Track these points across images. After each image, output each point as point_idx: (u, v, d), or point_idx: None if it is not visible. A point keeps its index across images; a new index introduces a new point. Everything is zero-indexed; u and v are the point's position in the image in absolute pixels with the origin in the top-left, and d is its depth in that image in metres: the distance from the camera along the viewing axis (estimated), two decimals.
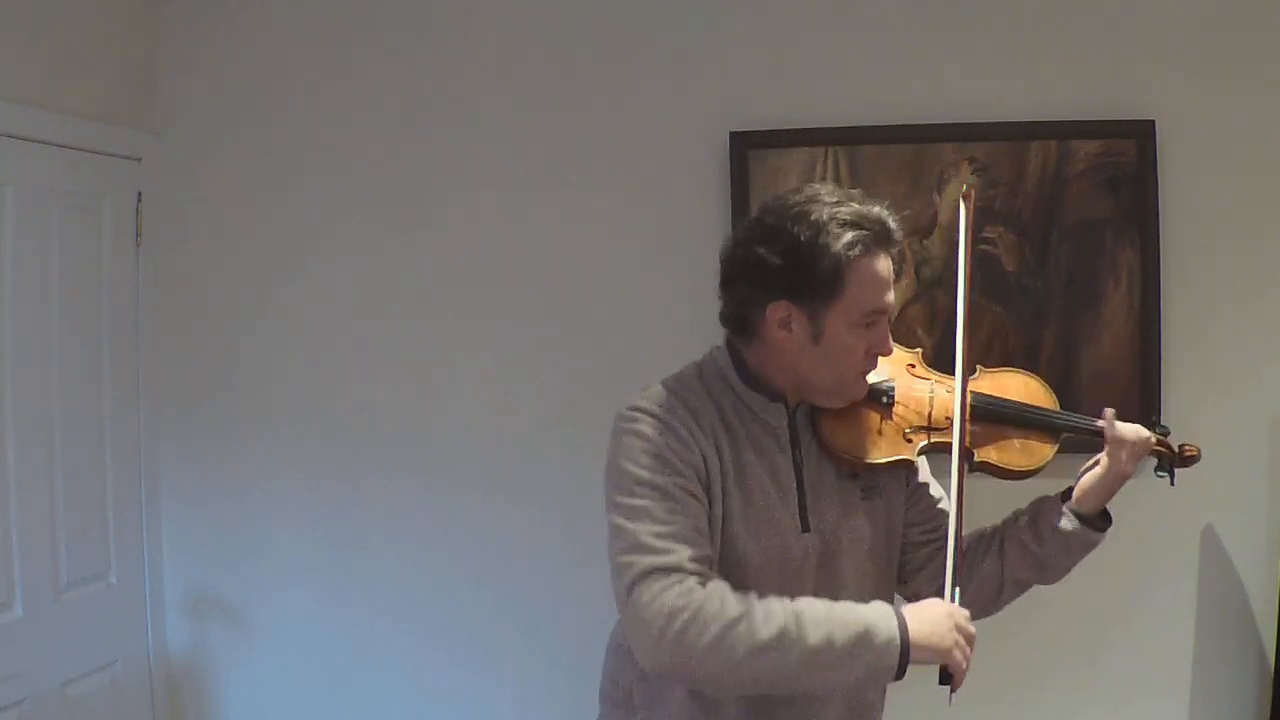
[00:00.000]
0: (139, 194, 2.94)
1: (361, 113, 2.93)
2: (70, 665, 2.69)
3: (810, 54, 2.78)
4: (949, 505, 1.67)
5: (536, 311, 2.88)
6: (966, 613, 1.50)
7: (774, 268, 1.51)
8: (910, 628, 1.42)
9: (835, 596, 1.54)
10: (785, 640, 1.39)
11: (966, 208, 1.66)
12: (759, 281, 1.54)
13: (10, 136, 2.52)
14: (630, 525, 1.47)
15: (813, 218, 1.50)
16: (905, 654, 1.41)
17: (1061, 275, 2.69)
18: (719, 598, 1.42)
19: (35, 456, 2.61)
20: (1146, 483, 2.65)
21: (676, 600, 1.40)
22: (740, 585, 1.48)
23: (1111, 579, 2.69)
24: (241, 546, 2.99)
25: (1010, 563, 1.67)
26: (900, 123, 2.71)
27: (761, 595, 1.46)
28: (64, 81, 2.69)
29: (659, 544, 1.45)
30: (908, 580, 1.74)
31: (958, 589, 1.55)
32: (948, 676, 1.47)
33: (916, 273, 2.72)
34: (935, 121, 2.70)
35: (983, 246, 2.71)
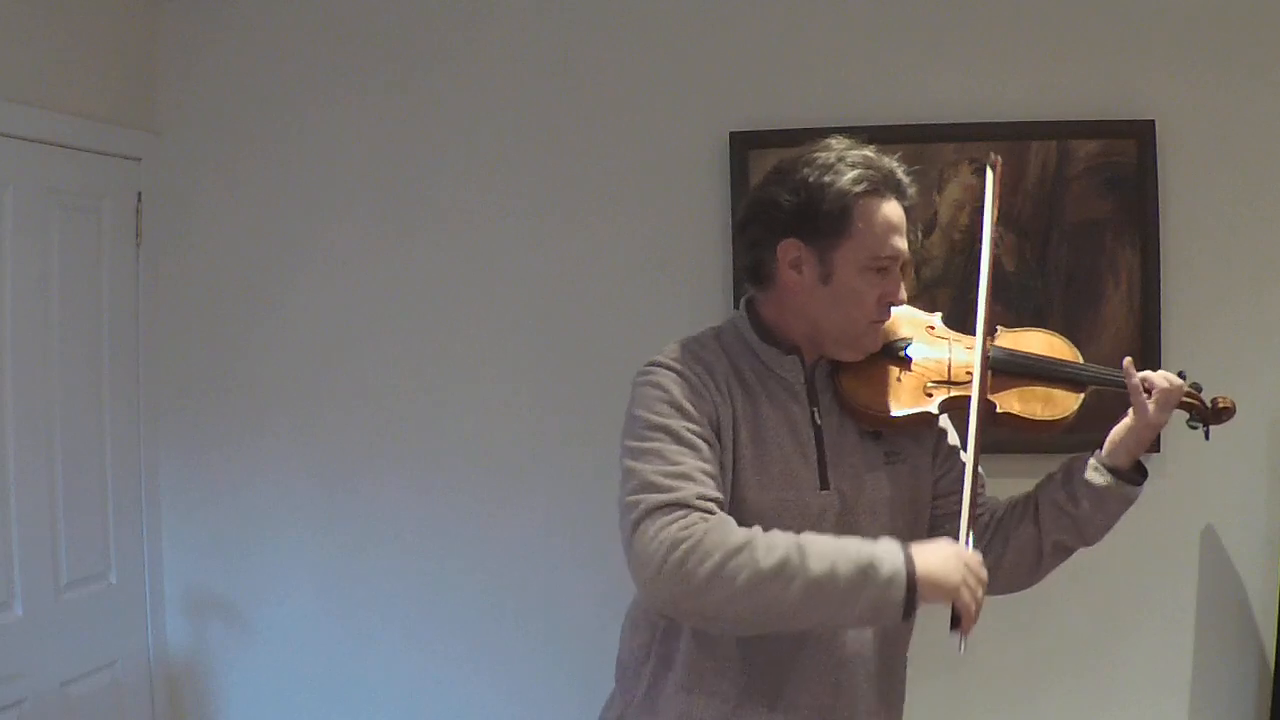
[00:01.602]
0: (139, 194, 2.94)
1: (362, 113, 2.93)
2: (70, 665, 2.69)
3: (810, 54, 2.78)
4: (982, 477, 1.66)
5: (537, 312, 2.88)
6: (979, 556, 1.49)
7: (783, 206, 1.55)
8: (917, 562, 1.40)
9: None
10: (788, 569, 1.37)
11: (994, 176, 1.69)
12: (770, 222, 1.57)
13: (10, 136, 2.52)
14: (639, 466, 1.48)
15: (821, 160, 1.55)
16: (912, 590, 1.39)
17: (1061, 275, 2.69)
18: (721, 528, 1.41)
19: (35, 456, 2.61)
20: (1147, 482, 2.66)
21: (679, 532, 1.40)
22: None
23: (1111, 579, 2.70)
24: (242, 546, 2.99)
25: (1046, 526, 1.65)
26: (900, 123, 2.70)
27: None
28: (64, 81, 2.69)
29: (666, 482, 1.45)
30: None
31: (971, 534, 1.53)
32: (957, 620, 1.44)
33: (917, 273, 2.72)
34: (935, 121, 2.70)
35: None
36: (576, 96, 2.86)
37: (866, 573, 1.38)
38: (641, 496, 1.45)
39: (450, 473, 2.91)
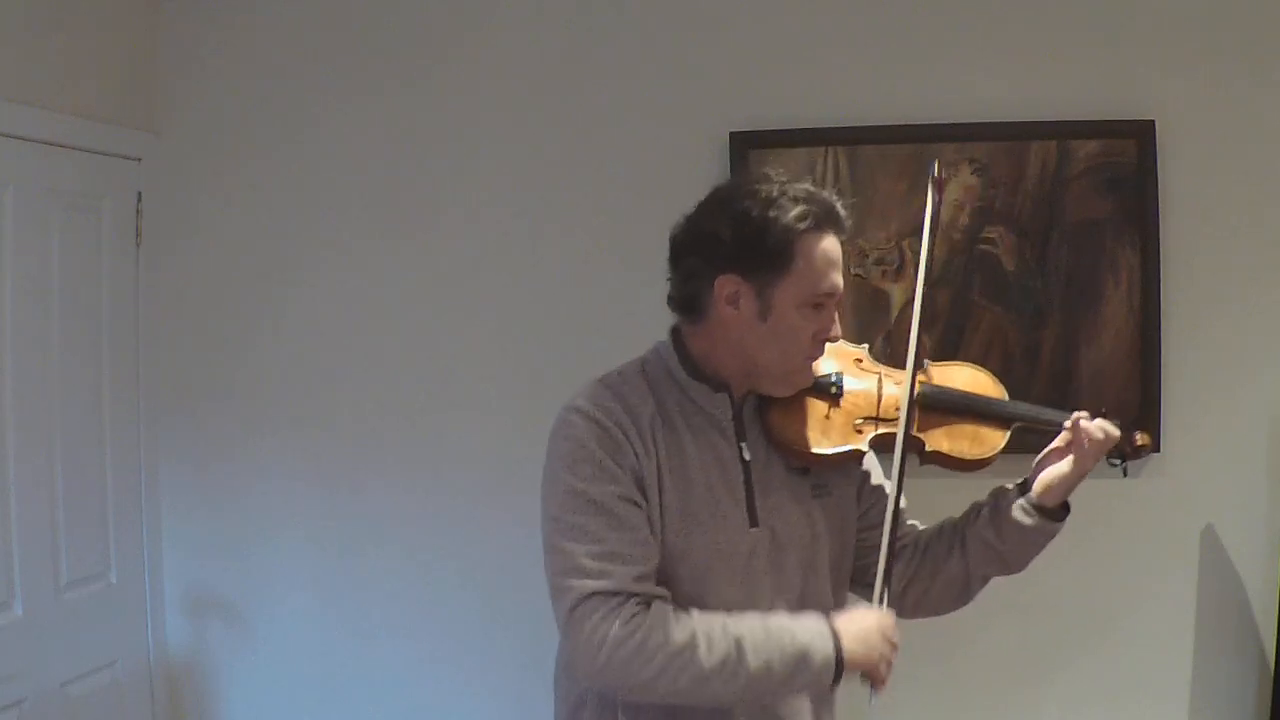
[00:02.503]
0: (139, 194, 2.94)
1: (362, 113, 2.93)
2: (70, 665, 2.69)
3: (810, 54, 2.78)
4: (905, 505, 1.68)
5: (537, 314, 2.88)
6: (893, 620, 1.55)
7: (723, 240, 1.51)
8: (844, 647, 1.47)
9: (787, 596, 1.56)
10: (727, 669, 1.43)
11: (935, 195, 1.65)
12: (708, 255, 1.53)
13: (10, 136, 2.52)
14: (568, 545, 1.47)
15: (763, 194, 1.52)
16: (840, 671, 1.47)
17: (1061, 275, 2.69)
18: (663, 625, 1.43)
19: (35, 456, 2.61)
20: (1147, 482, 2.67)
21: (619, 630, 1.42)
22: (687, 582, 1.50)
23: (1111, 579, 2.70)
24: (242, 546, 2.99)
25: (974, 560, 1.66)
26: (900, 123, 2.71)
27: (711, 593, 1.50)
28: (64, 81, 2.69)
29: (598, 566, 1.45)
30: (873, 584, 1.70)
31: (887, 592, 1.58)
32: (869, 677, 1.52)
33: (917, 273, 2.71)
34: (935, 121, 2.70)
35: (983, 246, 2.71)
36: (576, 97, 2.86)
37: (800, 663, 1.45)
38: (574, 582, 1.46)
39: (450, 474, 2.91)
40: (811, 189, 1.54)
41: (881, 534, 1.66)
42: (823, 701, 1.62)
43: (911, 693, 2.77)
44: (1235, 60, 2.65)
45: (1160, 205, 2.65)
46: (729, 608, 1.50)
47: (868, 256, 2.73)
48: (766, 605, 1.54)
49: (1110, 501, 2.67)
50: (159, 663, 2.99)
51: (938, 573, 1.69)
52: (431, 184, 2.91)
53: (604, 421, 1.51)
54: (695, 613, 1.47)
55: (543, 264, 2.87)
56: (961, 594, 1.70)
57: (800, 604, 1.58)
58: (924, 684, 2.75)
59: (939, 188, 1.65)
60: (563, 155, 2.86)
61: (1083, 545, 2.68)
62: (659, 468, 1.52)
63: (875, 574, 1.66)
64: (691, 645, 1.42)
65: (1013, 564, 1.67)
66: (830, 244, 1.53)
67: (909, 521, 1.76)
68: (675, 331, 1.62)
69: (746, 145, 2.74)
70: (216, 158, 2.99)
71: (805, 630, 1.47)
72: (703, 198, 1.59)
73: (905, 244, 2.72)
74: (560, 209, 2.86)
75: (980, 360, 2.61)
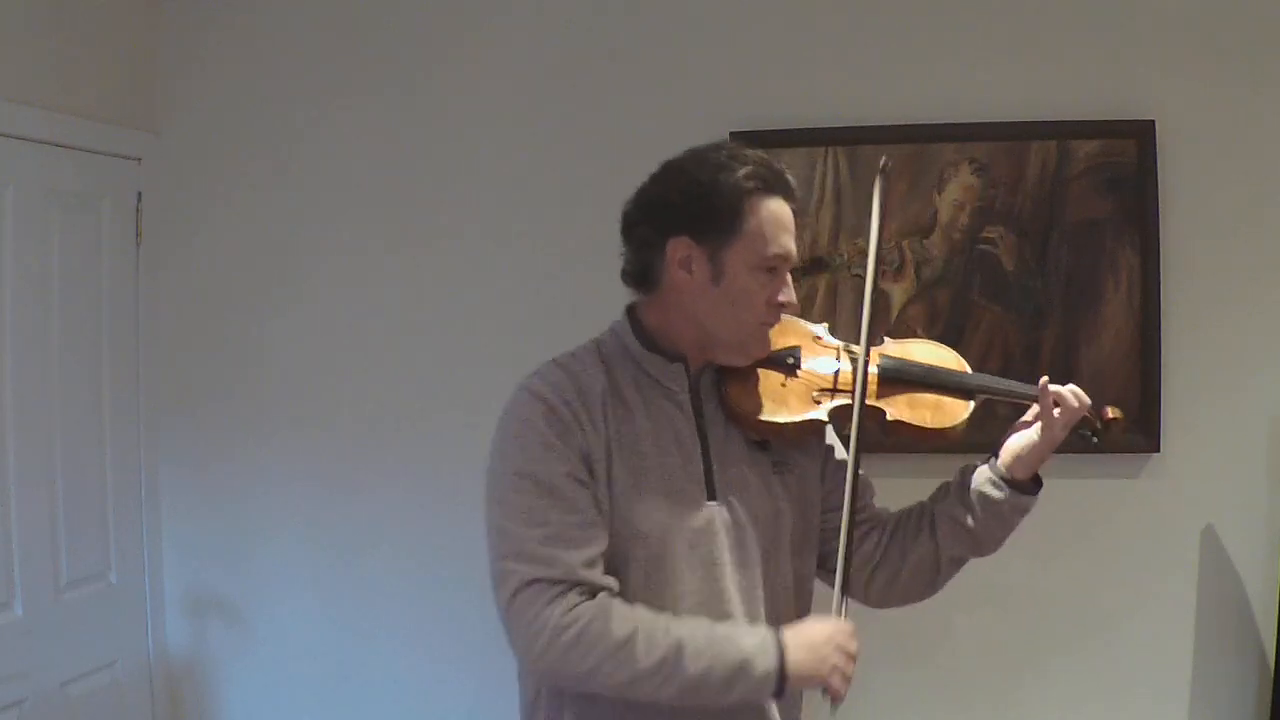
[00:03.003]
0: (139, 194, 2.94)
1: (362, 112, 2.93)
2: (70, 665, 2.69)
3: (810, 54, 2.78)
4: (871, 486, 1.68)
5: (538, 316, 2.87)
6: (850, 628, 1.51)
7: (673, 204, 1.53)
8: (789, 659, 1.44)
9: (749, 574, 1.54)
10: (664, 670, 1.41)
11: (882, 184, 1.65)
12: (659, 221, 1.55)
13: (10, 136, 2.53)
14: (511, 527, 1.48)
15: (711, 159, 1.54)
16: (782, 682, 1.44)
17: (1061, 275, 2.69)
18: (603, 618, 1.42)
19: (35, 456, 2.61)
20: (1147, 482, 2.67)
21: (561, 618, 1.41)
22: (644, 558, 1.49)
23: (1111, 579, 2.70)
24: (242, 546, 2.99)
25: (944, 540, 1.63)
26: (900, 123, 2.70)
27: (669, 569, 1.48)
28: (64, 81, 2.69)
29: (542, 551, 1.44)
30: (834, 569, 1.68)
31: (846, 601, 1.55)
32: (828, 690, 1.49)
33: (917, 273, 2.72)
34: (935, 121, 2.70)
35: (983, 246, 2.71)
36: (576, 98, 2.86)
37: (740, 672, 1.42)
38: (515, 567, 1.46)
39: (449, 474, 2.90)
40: (761, 155, 1.55)
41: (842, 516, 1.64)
42: (791, 701, 1.61)
43: (912, 693, 2.77)
44: (1235, 60, 2.65)
45: (1160, 205, 2.65)
46: (689, 585, 1.50)
47: (867, 256, 2.72)
48: (728, 584, 1.52)
49: (1110, 501, 2.67)
50: (159, 663, 2.99)
51: (906, 554, 1.66)
52: (431, 185, 2.91)
53: (551, 399, 1.51)
54: (641, 610, 1.45)
55: (543, 265, 2.87)
56: (931, 578, 1.67)
57: (765, 584, 1.56)
58: (924, 684, 2.75)
59: (885, 177, 1.66)
60: (563, 156, 2.86)
61: (1083, 545, 2.69)
62: (608, 443, 1.50)
63: (837, 560, 1.64)
64: (630, 642, 1.41)
65: (984, 542, 1.63)
66: (779, 207, 1.53)
67: (879, 505, 1.74)
68: (631, 309, 1.63)
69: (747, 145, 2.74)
70: (216, 158, 2.99)
71: (749, 640, 1.45)
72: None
73: (905, 244, 2.72)
74: (560, 209, 2.86)
75: (980, 360, 2.63)
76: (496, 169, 2.89)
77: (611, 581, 1.47)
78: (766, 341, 1.59)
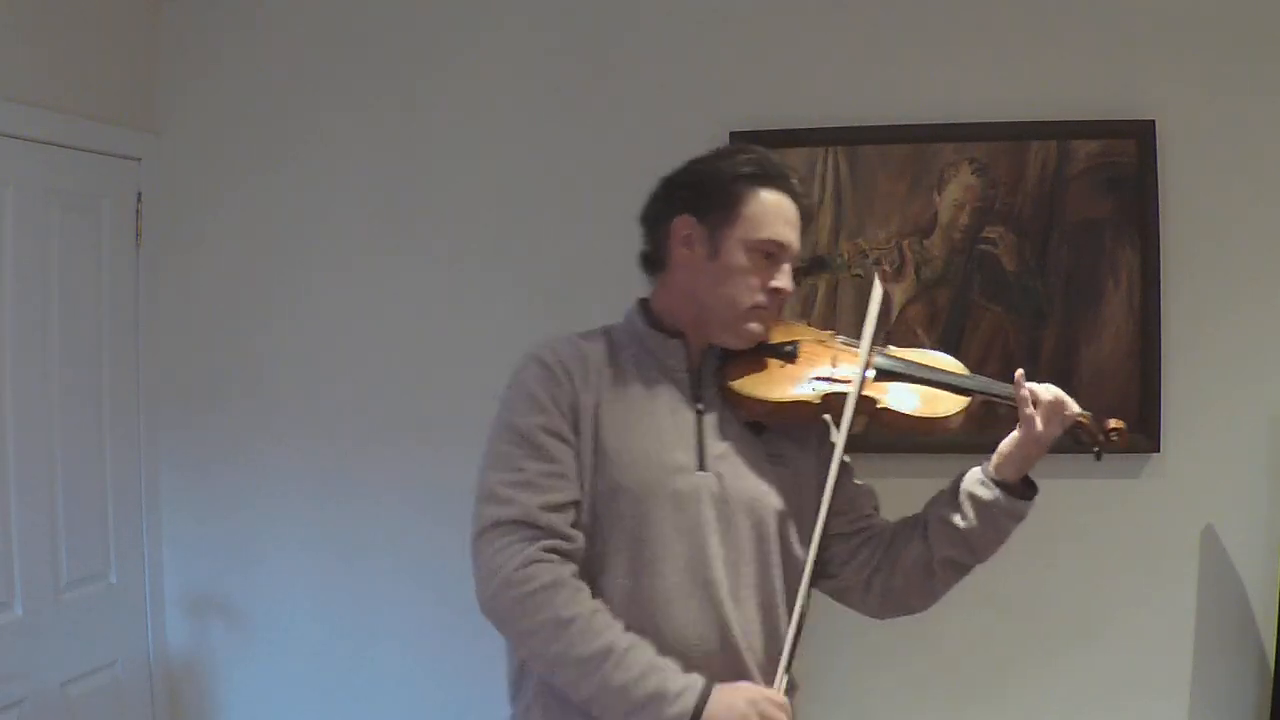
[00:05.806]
0: (139, 194, 2.94)
1: (362, 112, 2.93)
2: (70, 665, 2.70)
3: (811, 54, 2.78)
4: (873, 495, 1.72)
5: (538, 315, 2.87)
6: (782, 701, 1.52)
7: (678, 187, 1.70)
8: (707, 710, 1.45)
9: (736, 550, 1.57)
10: (588, 665, 1.45)
11: (881, 283, 1.74)
12: (667, 201, 1.69)
13: (10, 136, 2.53)
14: (489, 473, 1.57)
15: (722, 152, 1.73)
16: None
17: (1061, 275, 2.69)
18: (557, 589, 1.47)
19: (35, 456, 2.62)
20: (1147, 482, 2.67)
21: (513, 573, 1.48)
22: (629, 520, 1.53)
23: (1111, 579, 2.70)
24: (242, 546, 2.99)
25: (935, 542, 1.64)
26: (900, 123, 2.70)
27: (654, 536, 1.52)
28: (64, 81, 2.69)
29: (506, 493, 1.52)
30: (836, 574, 1.72)
31: (789, 672, 1.56)
32: None
33: (917, 273, 2.71)
34: (935, 121, 2.70)
35: (983, 246, 2.71)
36: (576, 98, 2.86)
37: (655, 703, 1.45)
38: (484, 509, 1.53)
39: (450, 474, 2.89)
40: (767, 153, 1.69)
41: (848, 522, 1.69)
42: None
43: (912, 693, 2.77)
44: (1235, 60, 2.65)
45: (1160, 205, 2.64)
46: (675, 548, 1.53)
47: (868, 256, 2.73)
48: (713, 554, 1.55)
49: (1110, 501, 2.67)
50: (159, 663, 2.99)
51: (898, 560, 1.67)
52: (432, 186, 2.91)
53: (548, 359, 1.61)
54: (599, 605, 1.50)
55: (544, 266, 2.87)
56: (926, 585, 1.67)
57: (756, 571, 1.58)
58: (924, 684, 2.75)
59: (884, 278, 1.76)
60: (563, 156, 2.86)
61: (1082, 545, 2.69)
62: (598, 405, 1.58)
63: (836, 566, 1.69)
64: (571, 624, 1.46)
65: (975, 545, 1.63)
66: (777, 198, 1.64)
67: (881, 516, 1.76)
68: (643, 300, 1.75)
69: None
70: (216, 158, 2.99)
71: (678, 679, 1.47)
72: None
73: (905, 244, 2.72)
74: (561, 210, 2.86)
75: (980, 360, 2.63)
76: (496, 169, 2.89)
77: (573, 533, 1.53)
78: (762, 326, 1.66)
